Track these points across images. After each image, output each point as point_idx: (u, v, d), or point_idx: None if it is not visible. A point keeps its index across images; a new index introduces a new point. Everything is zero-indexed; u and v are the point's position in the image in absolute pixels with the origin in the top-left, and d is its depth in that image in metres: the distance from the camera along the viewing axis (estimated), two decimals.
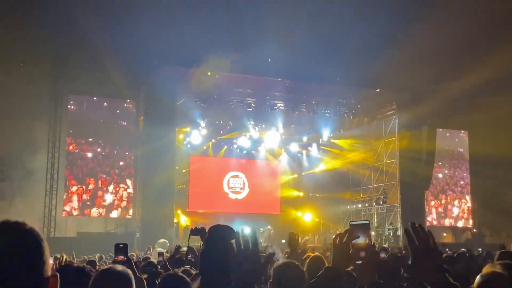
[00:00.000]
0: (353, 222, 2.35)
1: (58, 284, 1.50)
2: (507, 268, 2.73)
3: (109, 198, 22.97)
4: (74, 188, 22.59)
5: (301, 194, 30.51)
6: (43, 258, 1.48)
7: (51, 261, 5.91)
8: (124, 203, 23.26)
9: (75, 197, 22.51)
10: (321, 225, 29.49)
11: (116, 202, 23.12)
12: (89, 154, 23.08)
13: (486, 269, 2.78)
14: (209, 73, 23.00)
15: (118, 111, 23.90)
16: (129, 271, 2.47)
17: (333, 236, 2.40)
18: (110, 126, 23.59)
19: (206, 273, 2.70)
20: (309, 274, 3.38)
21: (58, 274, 1.52)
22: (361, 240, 2.30)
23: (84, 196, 22.60)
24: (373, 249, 2.35)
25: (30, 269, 1.44)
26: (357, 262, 2.34)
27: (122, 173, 23.49)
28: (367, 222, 2.37)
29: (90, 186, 22.76)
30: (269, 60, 21.44)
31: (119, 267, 2.51)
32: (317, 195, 29.94)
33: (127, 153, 23.74)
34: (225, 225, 2.84)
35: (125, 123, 23.89)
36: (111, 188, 23.10)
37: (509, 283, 2.35)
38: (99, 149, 23.23)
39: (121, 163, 23.50)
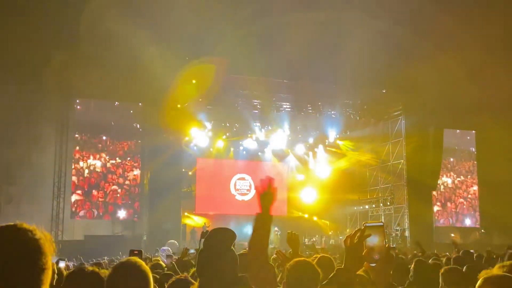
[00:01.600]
0: (368, 224, 2.32)
1: None
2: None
3: (122, 213, 23.02)
4: (75, 197, 22.64)
5: (307, 195, 30.44)
6: (38, 265, 1.44)
7: (62, 264, 5.93)
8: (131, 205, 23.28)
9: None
10: (328, 227, 29.43)
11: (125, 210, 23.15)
12: (98, 163, 23.10)
13: (490, 271, 2.76)
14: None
15: (124, 112, 23.88)
16: (144, 264, 2.42)
17: (344, 237, 2.37)
18: (117, 127, 23.59)
19: (203, 275, 2.70)
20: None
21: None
22: (375, 242, 2.28)
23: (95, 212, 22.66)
24: (387, 251, 2.33)
25: (22, 277, 1.40)
26: (371, 264, 2.31)
27: (129, 176, 23.50)
28: (381, 223, 2.34)
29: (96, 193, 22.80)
30: None
31: (135, 259, 2.45)
32: (324, 196, 29.86)
33: (133, 155, 23.75)
34: (226, 228, 2.84)
35: (132, 125, 23.87)
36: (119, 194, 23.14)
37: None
38: (103, 152, 23.24)
39: (127, 166, 23.50)
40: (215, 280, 2.62)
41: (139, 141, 23.78)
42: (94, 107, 23.56)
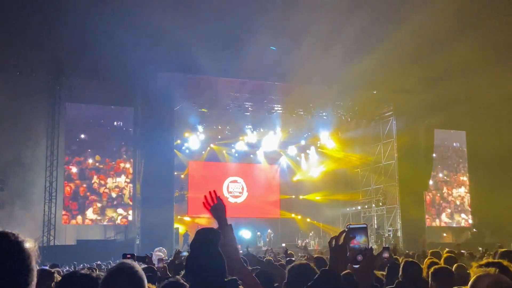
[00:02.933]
0: (351, 226, 2.36)
1: None
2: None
3: (114, 218, 22.90)
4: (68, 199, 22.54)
5: (300, 197, 30.50)
6: (23, 266, 1.47)
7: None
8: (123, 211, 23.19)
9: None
10: (320, 228, 29.49)
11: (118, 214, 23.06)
12: (88, 167, 23.00)
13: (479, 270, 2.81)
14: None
15: (116, 114, 23.75)
16: (138, 267, 2.43)
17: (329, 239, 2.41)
18: (108, 131, 23.49)
19: (192, 276, 2.71)
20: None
21: None
22: (359, 243, 2.32)
23: (91, 215, 22.50)
24: (370, 252, 2.36)
25: (7, 277, 1.42)
26: (354, 266, 2.35)
27: (120, 179, 23.40)
28: (365, 225, 2.38)
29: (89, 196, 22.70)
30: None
31: (129, 262, 2.45)
32: (316, 198, 29.93)
33: (125, 158, 23.67)
34: (210, 228, 2.85)
35: (124, 128, 23.77)
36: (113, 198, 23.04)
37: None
38: (97, 157, 23.13)
39: (119, 170, 23.42)
40: (203, 281, 2.63)
41: (131, 145, 23.67)
42: (85, 108, 23.35)
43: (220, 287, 2.63)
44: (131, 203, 23.09)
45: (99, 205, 22.60)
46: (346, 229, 2.35)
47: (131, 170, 23.41)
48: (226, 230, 3.06)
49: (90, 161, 22.95)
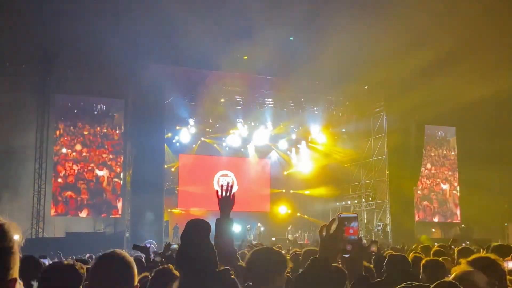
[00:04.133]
0: (342, 215, 2.34)
1: None
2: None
3: (103, 210, 22.78)
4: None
5: (290, 191, 30.55)
6: (5, 249, 1.44)
7: (46, 261, 5.89)
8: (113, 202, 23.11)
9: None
10: (310, 223, 29.58)
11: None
12: (78, 158, 22.88)
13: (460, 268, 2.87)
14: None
15: (106, 106, 23.60)
16: (130, 258, 2.40)
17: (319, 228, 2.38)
18: (98, 122, 23.36)
19: (183, 267, 2.69)
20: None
21: (17, 278, 1.47)
22: (348, 233, 2.30)
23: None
24: (360, 242, 2.35)
25: None
26: (344, 255, 2.33)
27: (111, 172, 23.30)
28: (355, 215, 2.37)
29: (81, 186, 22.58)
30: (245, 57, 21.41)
31: (119, 251, 2.43)
32: (306, 192, 29.99)
33: (115, 151, 23.56)
34: (200, 219, 2.84)
35: (114, 120, 23.64)
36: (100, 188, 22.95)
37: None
38: (86, 148, 23.00)
39: (109, 163, 23.31)
40: (195, 272, 2.61)
41: (121, 138, 23.57)
42: (75, 99, 23.18)
43: (212, 277, 2.61)
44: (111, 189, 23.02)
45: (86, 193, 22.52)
46: (337, 218, 2.33)
47: (120, 162, 23.30)
48: (226, 222, 3.21)
49: (79, 152, 22.82)
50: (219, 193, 3.33)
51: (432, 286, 2.00)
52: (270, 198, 30.14)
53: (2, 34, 19.03)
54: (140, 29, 19.23)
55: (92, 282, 2.28)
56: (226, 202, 3.26)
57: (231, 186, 3.34)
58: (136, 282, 2.34)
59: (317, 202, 29.61)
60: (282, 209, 29.90)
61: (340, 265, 2.66)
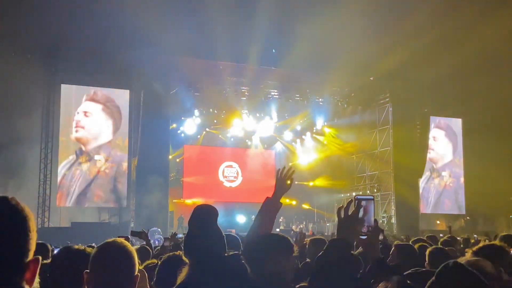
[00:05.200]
0: (359, 197, 2.33)
1: (38, 269, 1.44)
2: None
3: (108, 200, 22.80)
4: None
5: (295, 182, 30.48)
6: (25, 238, 1.42)
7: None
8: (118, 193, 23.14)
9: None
10: (315, 214, 29.59)
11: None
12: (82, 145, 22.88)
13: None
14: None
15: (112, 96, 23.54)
16: (131, 247, 2.39)
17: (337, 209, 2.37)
18: (104, 112, 23.32)
19: (192, 253, 2.68)
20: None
21: (40, 258, 1.46)
22: (365, 215, 2.29)
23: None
24: (376, 224, 2.34)
25: (7, 248, 1.38)
26: (361, 237, 2.32)
27: (116, 162, 23.30)
28: (372, 197, 2.36)
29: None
30: (273, 51, 21.33)
31: (121, 240, 2.43)
32: (310, 183, 29.97)
33: (122, 142, 23.55)
34: (206, 204, 2.82)
35: (119, 110, 23.61)
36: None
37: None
38: (92, 140, 22.98)
39: (115, 153, 23.30)
40: (204, 257, 2.59)
41: (127, 128, 23.54)
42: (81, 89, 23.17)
43: (221, 262, 2.60)
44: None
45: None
46: (354, 200, 2.32)
47: (126, 151, 23.27)
48: (273, 207, 3.23)
49: (86, 142, 22.83)
50: (279, 175, 3.31)
51: (438, 269, 1.99)
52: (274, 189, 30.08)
53: (8, 24, 19.01)
54: (146, 20, 19.17)
55: (92, 271, 2.28)
56: (283, 185, 3.29)
57: (292, 171, 3.33)
58: (136, 272, 2.33)
59: (321, 193, 29.59)
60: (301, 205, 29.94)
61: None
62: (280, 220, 27.02)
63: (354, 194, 28.66)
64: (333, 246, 2.24)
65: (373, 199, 2.34)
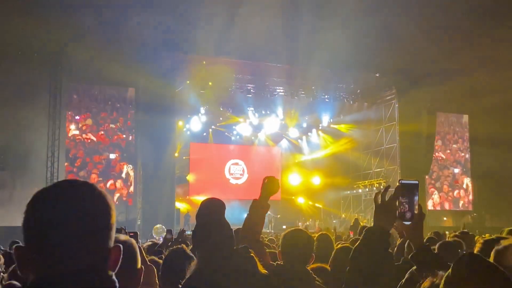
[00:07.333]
0: (403, 181, 2.22)
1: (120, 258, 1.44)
2: None
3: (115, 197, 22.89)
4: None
5: (301, 180, 30.53)
6: (108, 225, 1.44)
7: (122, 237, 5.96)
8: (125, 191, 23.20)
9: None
10: (321, 211, 29.57)
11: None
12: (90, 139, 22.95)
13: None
14: (204, 62, 23.02)
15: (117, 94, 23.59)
16: (133, 240, 2.39)
17: (375, 193, 2.22)
18: (110, 110, 23.39)
19: (201, 246, 2.68)
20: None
21: (121, 246, 1.47)
22: (409, 200, 2.18)
23: None
24: (420, 209, 2.23)
25: (92, 235, 1.39)
26: (405, 222, 2.20)
27: (122, 159, 23.36)
28: (417, 182, 2.24)
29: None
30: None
31: (123, 237, 2.42)
32: (317, 180, 29.95)
33: (127, 140, 23.60)
34: (214, 198, 2.82)
35: (125, 108, 23.68)
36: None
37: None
38: (98, 136, 23.07)
39: (121, 151, 23.37)
40: (213, 250, 2.59)
41: (132, 125, 23.60)
42: (87, 87, 23.25)
43: (230, 255, 2.60)
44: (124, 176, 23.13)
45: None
46: (398, 184, 2.20)
47: (133, 151, 23.35)
48: (261, 209, 3.35)
49: (93, 141, 22.90)
50: (266, 178, 3.40)
51: (454, 261, 1.90)
52: (281, 187, 30.09)
53: (14, 22, 19.06)
54: (151, 17, 19.18)
55: None
56: (270, 187, 3.39)
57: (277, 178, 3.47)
58: (139, 265, 2.33)
59: (328, 190, 29.56)
60: (308, 202, 29.91)
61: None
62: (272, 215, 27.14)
63: (360, 191, 28.74)
64: (368, 236, 2.11)
65: (417, 183, 2.22)
